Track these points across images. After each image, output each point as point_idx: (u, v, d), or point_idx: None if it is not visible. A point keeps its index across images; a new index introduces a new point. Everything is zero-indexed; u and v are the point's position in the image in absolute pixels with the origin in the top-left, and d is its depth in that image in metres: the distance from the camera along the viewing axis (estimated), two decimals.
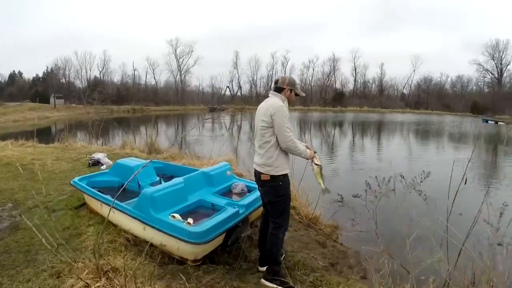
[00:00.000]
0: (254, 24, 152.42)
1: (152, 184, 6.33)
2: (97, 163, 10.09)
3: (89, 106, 54.52)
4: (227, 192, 6.19)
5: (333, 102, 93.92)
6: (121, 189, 4.18)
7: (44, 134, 21.18)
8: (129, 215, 4.95)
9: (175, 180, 5.42)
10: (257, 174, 4.34)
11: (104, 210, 5.52)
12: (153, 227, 4.61)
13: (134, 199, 5.17)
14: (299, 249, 5.50)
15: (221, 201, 5.43)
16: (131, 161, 6.91)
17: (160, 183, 6.33)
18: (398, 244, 5.75)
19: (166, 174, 7.15)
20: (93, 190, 5.87)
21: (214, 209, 5.19)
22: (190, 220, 4.45)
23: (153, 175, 6.79)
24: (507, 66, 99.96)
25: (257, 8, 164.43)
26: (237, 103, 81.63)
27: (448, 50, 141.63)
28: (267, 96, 4.39)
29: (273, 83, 4.54)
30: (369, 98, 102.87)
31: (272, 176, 4.18)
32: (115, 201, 4.22)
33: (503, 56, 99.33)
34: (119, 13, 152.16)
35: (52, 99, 69.41)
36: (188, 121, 46.16)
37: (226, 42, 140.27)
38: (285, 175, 4.26)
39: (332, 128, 38.99)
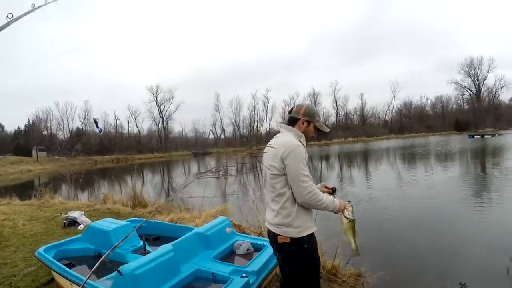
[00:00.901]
0: (233, 66, 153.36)
1: (135, 251, 5.12)
2: (73, 223, 8.86)
3: (73, 158, 53.49)
4: (230, 255, 5.02)
5: (318, 137, 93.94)
6: (95, 266, 3.00)
7: (24, 189, 20.21)
8: None
9: (163, 248, 4.22)
10: (272, 236, 3.22)
11: None
12: None
13: (113, 275, 3.96)
14: None
15: (223, 268, 4.25)
16: (107, 224, 5.64)
17: (144, 248, 5.09)
18: None
19: (151, 235, 5.90)
20: (59, 264, 4.63)
21: (216, 280, 4.04)
22: None
23: (136, 239, 5.48)
24: (483, 81, 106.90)
25: (235, 49, 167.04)
26: (221, 147, 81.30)
27: (424, 73, 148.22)
28: (277, 132, 3.35)
29: (287, 112, 3.50)
30: (352, 128, 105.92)
31: (294, 239, 3.08)
32: (87, 280, 3.14)
33: (479, 72, 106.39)
34: (99, 62, 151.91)
35: (34, 152, 68.40)
36: (174, 168, 45.28)
37: (206, 86, 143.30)
38: (311, 235, 3.16)
39: (319, 162, 38.28)
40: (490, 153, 31.65)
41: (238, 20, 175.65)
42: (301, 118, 3.27)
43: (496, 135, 66.53)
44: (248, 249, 5.04)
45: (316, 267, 3.25)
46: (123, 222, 5.75)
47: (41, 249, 5.18)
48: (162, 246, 4.36)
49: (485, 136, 64.51)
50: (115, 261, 4.79)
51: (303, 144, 3.17)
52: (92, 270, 3.18)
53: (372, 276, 5.80)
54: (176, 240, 4.63)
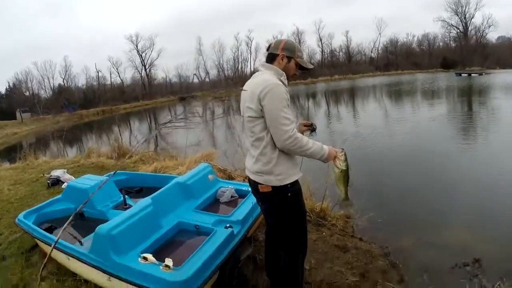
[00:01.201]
0: (213, 7, 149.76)
1: (116, 206, 4.93)
2: (56, 182, 8.69)
3: (58, 115, 53.07)
4: (213, 204, 4.86)
5: (303, 75, 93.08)
6: (67, 223, 2.82)
7: (12, 152, 20.08)
8: (85, 262, 3.60)
9: (141, 203, 4.02)
10: (253, 185, 3.01)
11: (57, 256, 4.18)
12: (119, 278, 3.27)
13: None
14: (319, 264, 4.29)
15: (207, 219, 4.08)
16: (86, 181, 5.40)
17: (125, 203, 4.90)
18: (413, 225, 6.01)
19: (132, 187, 5.65)
20: (38, 229, 4.45)
21: (199, 233, 3.88)
22: (169, 261, 3.07)
23: (115, 193, 5.30)
24: (471, 19, 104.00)
25: None
26: (206, 90, 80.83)
27: (411, 10, 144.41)
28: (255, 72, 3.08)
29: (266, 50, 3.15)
30: (338, 66, 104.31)
31: (276, 188, 2.85)
32: (59, 240, 2.99)
33: (466, 10, 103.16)
34: (75, 17, 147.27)
35: (18, 114, 67.62)
36: (160, 114, 45.01)
37: (187, 30, 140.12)
38: (294, 183, 2.92)
39: (305, 100, 38.19)
40: (477, 91, 31.56)
41: None
42: (279, 53, 2.95)
43: (483, 74, 66.13)
44: (232, 196, 4.87)
45: (301, 216, 3.08)
46: (103, 177, 5.54)
47: (21, 215, 4.98)
48: (141, 200, 4.17)
49: (472, 74, 64.27)
50: (97, 219, 4.60)
51: (283, 83, 2.85)
52: (61, 230, 3.06)
53: (361, 218, 5.77)
54: (156, 193, 4.42)
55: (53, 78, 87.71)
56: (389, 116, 20.35)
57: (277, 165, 2.82)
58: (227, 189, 4.96)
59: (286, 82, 2.90)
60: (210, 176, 5.22)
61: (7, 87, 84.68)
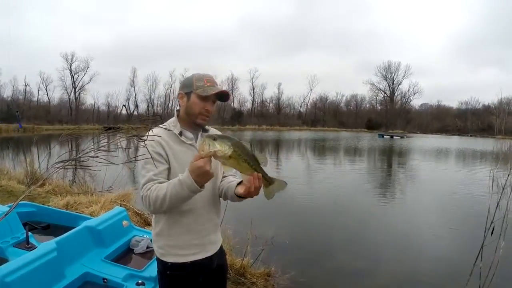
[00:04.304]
0: (154, 40, 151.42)
1: (17, 244, 4.43)
2: None
3: None
4: (126, 254, 4.39)
5: (231, 121, 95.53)
6: None
7: None
8: None
9: (45, 246, 3.58)
10: None
11: None
12: None
13: None
14: None
15: (116, 272, 3.69)
16: None
17: (28, 241, 4.39)
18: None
19: (39, 223, 5.12)
20: None
21: (107, 287, 3.53)
22: None
23: (17, 228, 4.68)
24: (398, 85, 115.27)
25: (157, 23, 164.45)
26: (133, 123, 79.78)
27: (342, 71, 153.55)
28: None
29: None
30: (267, 117, 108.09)
31: (158, 261, 2.42)
32: None
33: (395, 76, 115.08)
34: (15, 18, 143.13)
35: None
36: (83, 141, 43.73)
37: (124, 58, 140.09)
38: (181, 266, 2.35)
39: None
40: (397, 152, 34.36)
41: None
42: (178, 94, 2.49)
43: (405, 137, 70.50)
44: (147, 247, 4.46)
45: None
46: (4, 208, 4.99)
47: None
48: (44, 243, 3.73)
49: (394, 137, 68.51)
50: None
51: (179, 133, 2.33)
52: None
53: (283, 276, 5.60)
54: (62, 236, 3.98)
55: None
56: (312, 169, 21.14)
57: (159, 235, 2.38)
58: (143, 239, 4.57)
59: (177, 127, 2.40)
60: (124, 222, 4.79)
61: None
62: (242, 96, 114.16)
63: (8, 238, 4.44)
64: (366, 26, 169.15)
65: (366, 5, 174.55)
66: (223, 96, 2.51)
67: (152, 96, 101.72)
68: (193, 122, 2.43)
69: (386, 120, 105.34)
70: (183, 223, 2.31)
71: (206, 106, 2.41)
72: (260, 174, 2.08)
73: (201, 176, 1.99)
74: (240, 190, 2.19)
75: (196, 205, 2.32)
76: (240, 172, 2.12)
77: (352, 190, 14.05)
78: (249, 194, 2.12)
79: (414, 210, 11.39)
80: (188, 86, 2.43)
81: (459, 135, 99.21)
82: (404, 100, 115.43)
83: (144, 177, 2.20)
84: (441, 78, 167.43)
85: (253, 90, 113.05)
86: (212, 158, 2.00)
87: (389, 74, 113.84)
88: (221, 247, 2.60)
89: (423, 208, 11.60)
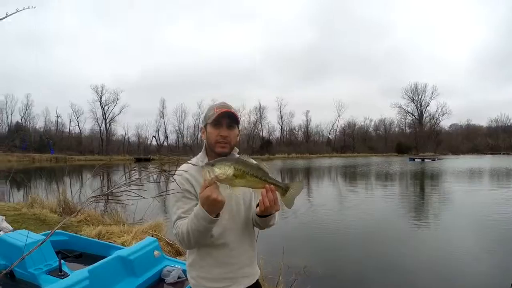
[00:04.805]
0: (182, 73, 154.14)
1: (50, 271, 4.46)
2: None
3: (10, 153, 51.65)
4: (157, 284, 4.37)
5: (261, 150, 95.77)
6: None
7: None
8: None
9: (77, 275, 3.59)
10: None
11: None
12: None
13: None
14: None
15: None
16: (22, 237, 4.87)
17: (60, 269, 4.42)
18: None
19: (71, 251, 5.18)
20: None
21: None
22: None
23: (51, 256, 4.71)
24: (426, 107, 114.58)
25: (185, 56, 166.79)
26: (163, 153, 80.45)
27: (370, 96, 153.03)
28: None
29: None
30: (296, 144, 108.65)
31: None
32: None
33: (422, 98, 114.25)
34: (47, 56, 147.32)
35: None
36: (114, 172, 44.24)
37: (153, 90, 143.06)
38: None
39: None
40: (429, 175, 33.70)
41: (192, 25, 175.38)
42: (200, 130, 2.55)
43: (436, 159, 69.56)
44: (179, 277, 4.45)
45: None
46: (40, 236, 5.06)
47: None
48: (76, 272, 3.75)
49: (425, 160, 67.52)
50: (28, 282, 4.17)
51: (202, 166, 2.01)
52: None
53: None
54: (94, 264, 4.01)
55: (12, 114, 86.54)
56: (343, 195, 20.91)
57: (192, 266, 2.39)
58: (174, 269, 4.54)
59: (203, 159, 2.42)
60: (156, 252, 4.78)
61: None
62: (271, 125, 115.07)
63: (42, 265, 4.48)
64: (390, 48, 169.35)
65: (389, 27, 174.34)
66: (232, 116, 2.38)
67: (181, 127, 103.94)
68: (215, 153, 2.38)
69: (416, 143, 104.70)
70: (215, 256, 2.30)
71: (221, 132, 2.36)
72: (272, 185, 2.01)
73: (212, 205, 1.95)
74: (258, 208, 2.15)
75: (228, 238, 2.31)
76: (253, 189, 2.09)
77: (385, 216, 13.82)
78: (267, 209, 2.04)
79: (450, 234, 11.03)
80: (204, 119, 2.46)
81: (491, 154, 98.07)
82: (433, 122, 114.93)
83: (174, 214, 2.25)
84: (468, 97, 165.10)
85: (281, 118, 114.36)
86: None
87: (416, 96, 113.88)
88: (257, 281, 2.52)
89: (459, 232, 11.28)
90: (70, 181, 25.46)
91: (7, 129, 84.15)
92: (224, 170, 1.89)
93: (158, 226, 8.61)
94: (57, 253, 4.69)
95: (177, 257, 6.00)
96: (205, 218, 1.98)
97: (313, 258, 8.09)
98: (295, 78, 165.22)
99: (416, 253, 9.15)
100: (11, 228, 7.91)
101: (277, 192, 2.04)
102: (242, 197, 2.31)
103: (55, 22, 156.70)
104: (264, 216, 2.19)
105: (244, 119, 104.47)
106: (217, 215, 2.02)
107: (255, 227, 2.48)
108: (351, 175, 36.28)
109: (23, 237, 4.89)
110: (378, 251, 9.26)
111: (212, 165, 1.91)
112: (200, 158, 2.43)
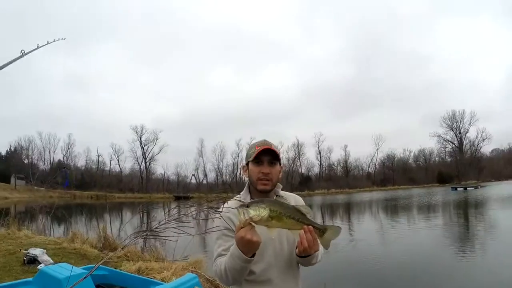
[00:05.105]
0: (220, 112, 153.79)
1: None
2: (33, 260, 8.18)
3: (52, 190, 52.77)
4: None
5: (300, 187, 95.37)
6: None
7: None
8: None
9: None
10: None
11: None
12: None
13: None
14: None
15: None
16: (61, 270, 4.91)
17: None
18: None
19: (111, 286, 5.17)
20: None
21: None
22: None
23: None
24: (465, 134, 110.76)
25: (222, 95, 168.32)
26: (203, 191, 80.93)
27: (407, 126, 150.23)
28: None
29: None
30: (335, 180, 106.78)
31: None
32: None
33: (461, 125, 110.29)
34: (88, 97, 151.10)
35: (12, 179, 67.54)
36: (154, 210, 44.72)
37: (192, 130, 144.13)
38: None
39: None
40: (473, 204, 33.19)
41: (231, 67, 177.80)
42: (243, 168, 2.60)
43: (479, 187, 68.01)
44: None
45: None
46: (79, 270, 5.07)
47: None
48: None
49: (467, 188, 65.85)
50: None
51: (237, 207, 1.95)
52: None
53: None
54: None
55: (54, 153, 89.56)
56: (385, 229, 20.75)
57: None
58: None
59: (247, 197, 2.44)
60: None
61: (8, 149, 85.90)
62: (309, 161, 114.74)
63: None
64: (427, 78, 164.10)
65: (426, 58, 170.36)
66: (273, 153, 2.39)
67: (220, 166, 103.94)
68: (257, 190, 2.40)
69: (457, 172, 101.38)
70: None
71: (262, 169, 2.37)
72: (310, 227, 1.99)
73: (246, 246, 1.96)
74: (297, 249, 2.15)
75: (271, 274, 2.28)
76: (290, 230, 2.03)
77: (429, 248, 13.54)
78: (305, 250, 2.02)
79: (497, 263, 10.63)
80: (246, 158, 2.50)
81: None
82: (473, 149, 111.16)
83: (215, 251, 2.29)
84: (508, 120, 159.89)
85: (320, 154, 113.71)
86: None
87: (454, 123, 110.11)
88: None
89: (507, 261, 10.79)
90: (110, 218, 25.83)
91: (49, 166, 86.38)
92: (258, 212, 1.88)
93: (198, 263, 8.60)
94: (97, 287, 4.69)
95: None
96: (240, 258, 2.00)
97: None
98: (332, 113, 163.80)
99: (463, 285, 8.90)
100: (52, 261, 8.06)
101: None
102: (286, 234, 2.29)
103: (98, 66, 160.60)
104: (304, 257, 2.17)
105: (283, 156, 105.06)
106: (253, 255, 2.02)
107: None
108: (392, 208, 35.82)
109: (64, 270, 4.92)
110: (424, 284, 9.02)
111: (247, 206, 1.91)
112: (242, 196, 2.45)
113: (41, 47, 5.80)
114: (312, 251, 2.05)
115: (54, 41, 6.16)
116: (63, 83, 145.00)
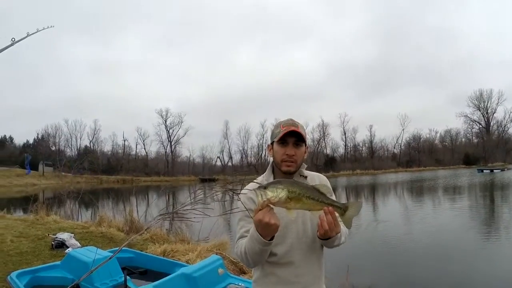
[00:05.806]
0: (244, 93, 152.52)
1: (116, 286, 4.53)
2: (61, 244, 8.33)
3: (79, 175, 53.37)
4: None
5: (325, 168, 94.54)
6: None
7: (27, 202, 20.10)
8: None
9: None
10: None
11: None
12: None
13: None
14: None
15: None
16: (88, 253, 5.02)
17: (125, 284, 4.46)
18: None
19: (137, 268, 5.29)
20: None
21: None
22: None
23: (116, 272, 4.84)
24: (493, 114, 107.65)
25: (246, 77, 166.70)
26: (228, 173, 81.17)
27: (434, 106, 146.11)
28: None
29: None
30: (360, 161, 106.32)
31: None
32: None
33: (488, 105, 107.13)
34: (112, 83, 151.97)
35: (41, 166, 68.59)
36: (179, 193, 44.96)
37: (216, 112, 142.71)
38: None
39: None
40: (499, 187, 32.35)
41: (255, 47, 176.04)
42: (267, 147, 2.52)
43: (506, 169, 66.37)
44: None
45: None
46: (107, 253, 5.17)
47: (14, 274, 4.70)
48: (143, 286, 3.79)
49: (494, 170, 64.37)
50: None
51: (254, 189, 1.98)
52: None
53: None
54: (159, 281, 4.03)
55: (80, 139, 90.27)
56: (410, 210, 20.44)
57: (255, 282, 2.35)
58: (238, 287, 4.54)
59: (271, 177, 2.37)
60: (220, 270, 4.80)
61: (36, 137, 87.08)
62: (334, 142, 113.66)
63: (107, 280, 4.59)
64: (453, 55, 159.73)
65: (454, 35, 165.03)
66: (298, 135, 2.31)
67: (245, 147, 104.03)
68: (281, 171, 2.34)
69: (484, 153, 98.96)
70: (279, 274, 2.23)
71: (287, 151, 2.30)
72: (330, 208, 1.94)
73: (265, 229, 1.92)
74: (318, 232, 2.07)
75: (294, 257, 2.24)
76: (310, 211, 2.01)
77: (454, 230, 13.37)
78: (326, 233, 1.97)
79: None
80: (271, 137, 2.43)
81: None
82: (501, 129, 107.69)
83: (238, 233, 2.25)
84: None
85: (345, 135, 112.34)
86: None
87: (482, 103, 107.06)
88: None
89: None
90: (136, 201, 26.05)
91: (76, 152, 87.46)
92: (276, 193, 1.83)
93: (223, 245, 8.65)
94: (123, 269, 4.79)
95: (241, 275, 5.95)
96: (259, 241, 1.97)
97: (380, 276, 7.93)
98: (358, 93, 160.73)
99: (490, 268, 8.69)
100: (79, 244, 8.20)
101: (336, 213, 1.98)
102: (309, 216, 2.22)
103: (123, 51, 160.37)
104: (325, 239, 2.11)
105: (308, 137, 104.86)
106: (272, 238, 1.99)
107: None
108: (418, 189, 35.36)
109: (90, 253, 5.02)
110: (449, 267, 8.84)
111: (265, 187, 1.86)
112: (265, 176, 2.41)
113: (31, 35, 6.15)
114: (333, 234, 2.00)
115: (44, 29, 6.57)
116: (88, 69, 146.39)
